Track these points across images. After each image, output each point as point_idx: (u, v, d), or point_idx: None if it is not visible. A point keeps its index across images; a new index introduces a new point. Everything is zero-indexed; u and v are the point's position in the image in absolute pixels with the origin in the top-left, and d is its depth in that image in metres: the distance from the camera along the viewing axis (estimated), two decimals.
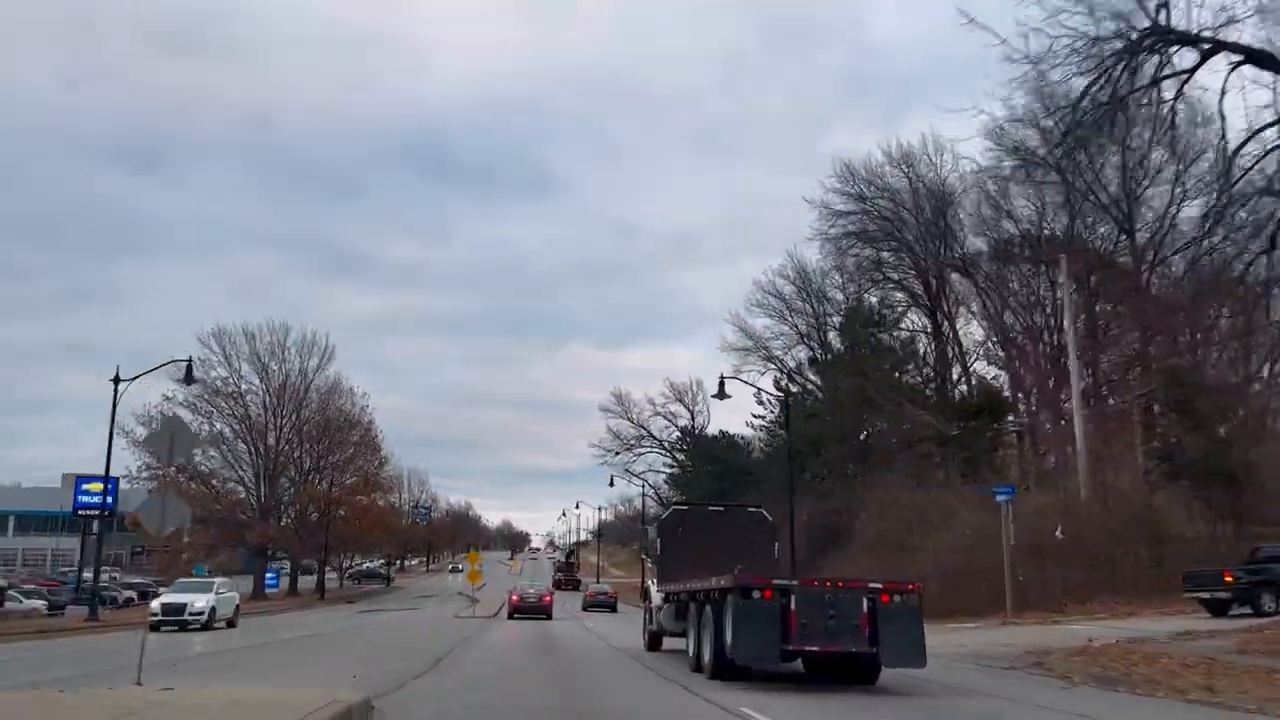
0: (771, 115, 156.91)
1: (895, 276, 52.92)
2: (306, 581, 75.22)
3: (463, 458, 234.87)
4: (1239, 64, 19.50)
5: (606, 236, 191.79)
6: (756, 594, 12.49)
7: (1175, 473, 29.96)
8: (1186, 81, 20.90)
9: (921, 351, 44.72)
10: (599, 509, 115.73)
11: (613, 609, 51.76)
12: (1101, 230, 49.61)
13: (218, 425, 65.20)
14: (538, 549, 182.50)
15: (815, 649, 12.63)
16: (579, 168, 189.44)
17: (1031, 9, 19.36)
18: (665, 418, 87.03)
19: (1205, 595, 24.58)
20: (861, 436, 43.35)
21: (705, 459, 73.70)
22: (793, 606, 12.24)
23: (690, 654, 15.26)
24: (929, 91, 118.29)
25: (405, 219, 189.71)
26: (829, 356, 43.61)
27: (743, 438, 72.84)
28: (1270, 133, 19.80)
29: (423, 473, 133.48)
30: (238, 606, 32.67)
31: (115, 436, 63.28)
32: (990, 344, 46.74)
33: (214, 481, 64.95)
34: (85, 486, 55.14)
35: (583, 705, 11.30)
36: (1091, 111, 20.26)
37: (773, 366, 65.82)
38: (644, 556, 26.04)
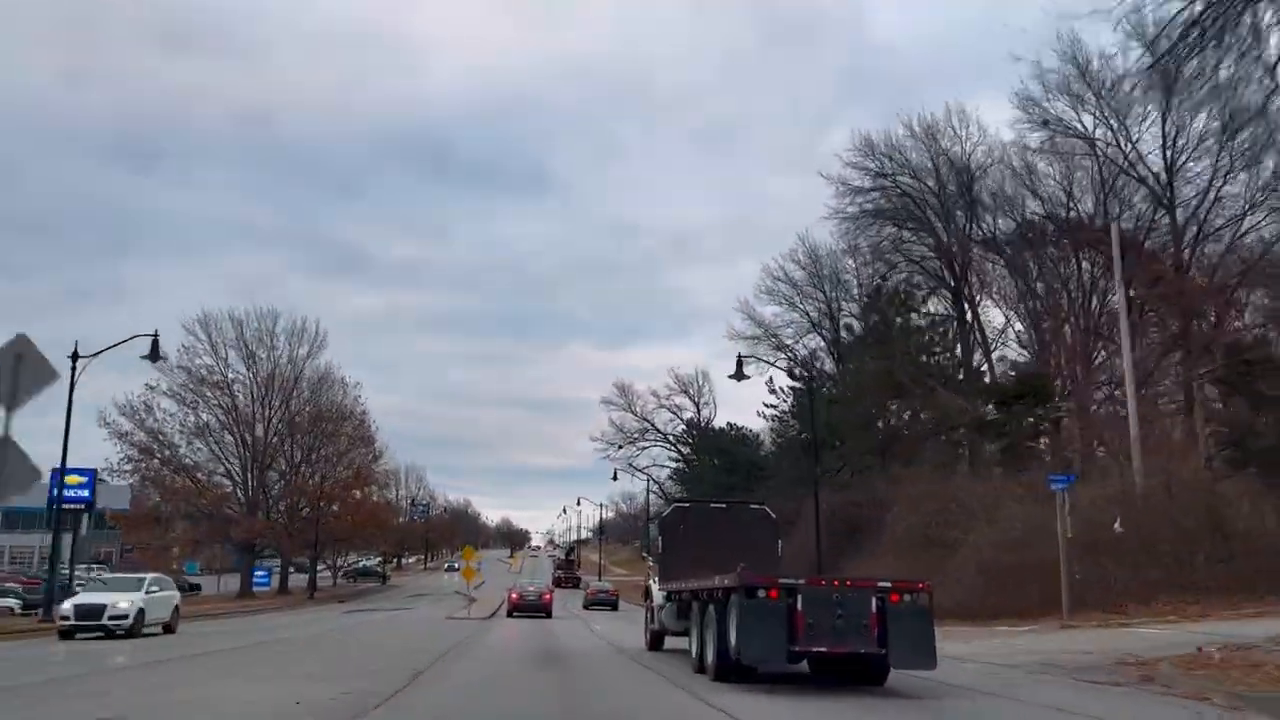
0: (771, 114, 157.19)
1: (916, 256, 49.96)
2: (301, 580, 72.62)
3: (462, 456, 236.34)
4: None
5: (606, 235, 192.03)
6: (762, 593, 12.07)
7: (1242, 459, 26.99)
8: None
9: (947, 335, 41.60)
10: (600, 505, 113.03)
11: (614, 607, 50.69)
12: (1136, 207, 46.81)
13: (204, 416, 62.45)
14: (538, 548, 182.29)
15: (823, 650, 12.19)
16: (579, 166, 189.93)
17: None
18: (670, 410, 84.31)
19: None
20: (887, 424, 40.37)
21: (712, 452, 70.85)
22: (799, 606, 11.87)
23: (693, 655, 14.86)
24: (930, 90, 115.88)
25: (405, 218, 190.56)
26: (851, 338, 40.52)
27: (751, 430, 70.09)
28: None
29: (420, 469, 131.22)
30: (177, 608, 27.31)
31: (97, 428, 61.91)
32: (1020, 326, 43.86)
33: (199, 475, 62.02)
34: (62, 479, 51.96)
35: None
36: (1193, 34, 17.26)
37: (783, 355, 63.35)
38: (644, 555, 24.67)
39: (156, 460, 60.58)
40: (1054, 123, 45.25)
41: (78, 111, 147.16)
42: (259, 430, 63.82)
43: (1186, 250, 43.29)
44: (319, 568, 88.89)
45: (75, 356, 28.39)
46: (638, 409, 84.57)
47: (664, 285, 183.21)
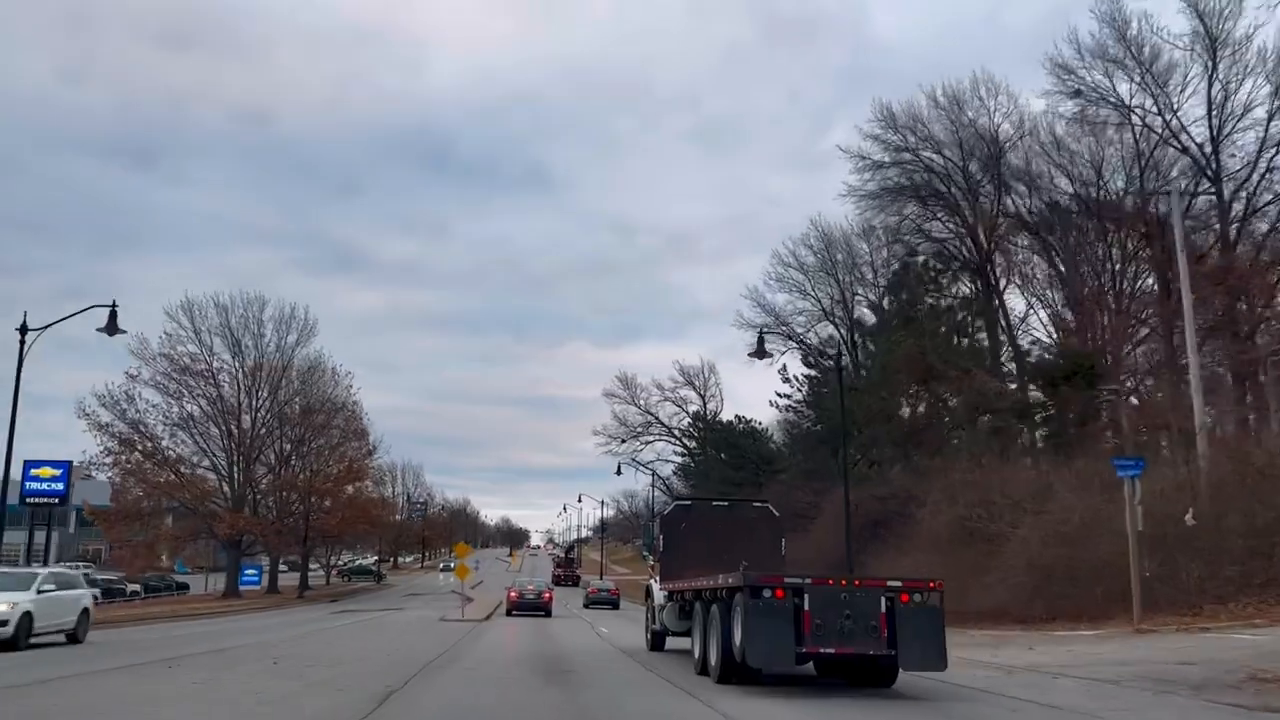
0: (771, 112, 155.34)
1: (939, 236, 47.08)
2: (294, 579, 69.73)
3: (461, 455, 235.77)
4: None
5: (605, 234, 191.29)
6: (767, 593, 11.66)
7: None
8: None
9: (973, 317, 38.61)
10: (601, 503, 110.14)
11: (615, 606, 49.46)
12: (1176, 182, 43.88)
13: (188, 406, 59.52)
14: (538, 547, 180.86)
15: (831, 651, 11.75)
16: (578, 164, 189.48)
17: None
18: (674, 403, 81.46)
19: None
20: (913, 411, 37.39)
21: (720, 446, 67.91)
22: (806, 606, 11.51)
23: (696, 656, 14.46)
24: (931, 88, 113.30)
25: (404, 216, 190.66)
26: (875, 321, 37.51)
27: (759, 423, 67.21)
28: None
29: (417, 467, 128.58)
30: (87, 611, 21.40)
31: (76, 419, 58.91)
32: (1046, 309, 40.99)
33: (183, 468, 59.02)
34: (34, 471, 49.09)
35: None
36: None
37: (795, 344, 60.59)
38: (645, 554, 24.66)
39: (138, 453, 57.65)
40: (1089, 91, 42.52)
41: (76, 108, 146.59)
42: (245, 421, 60.92)
43: (1234, 226, 40.51)
44: (313, 566, 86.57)
45: (24, 330, 25.50)
46: (641, 402, 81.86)
47: (663, 284, 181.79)
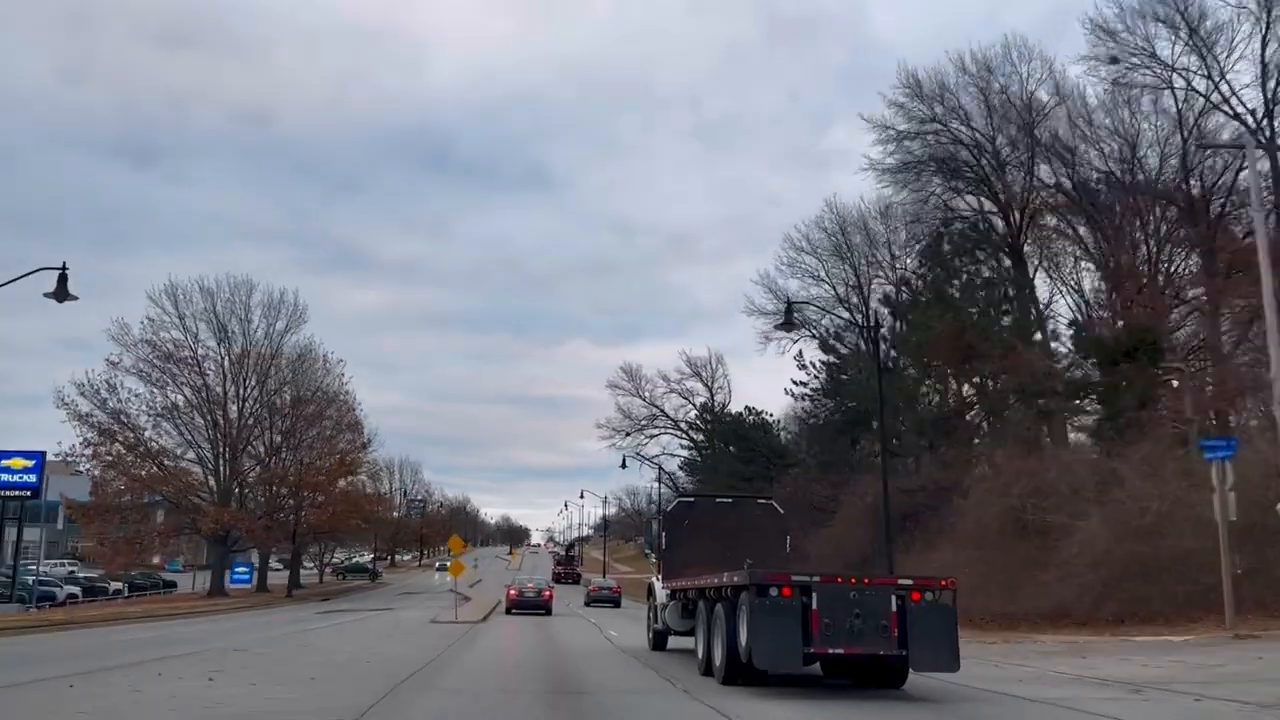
0: (771, 111, 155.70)
1: (967, 212, 44.12)
2: (286, 577, 66.86)
3: (461, 454, 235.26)
4: None
5: (605, 233, 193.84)
6: (774, 591, 11.21)
7: None
8: None
9: (1017, 290, 35.53)
10: (604, 499, 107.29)
11: (616, 604, 48.75)
12: (1221, 155, 40.97)
13: (171, 395, 56.55)
14: (538, 545, 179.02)
15: (840, 651, 11.22)
16: (579, 164, 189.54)
17: None
18: (681, 395, 78.47)
19: None
20: (945, 394, 34.43)
21: (730, 438, 64.90)
22: (814, 605, 11.05)
23: (699, 656, 14.09)
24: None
25: (404, 215, 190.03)
26: (906, 295, 34.51)
27: (770, 414, 64.24)
28: None
29: (415, 463, 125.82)
30: None
31: (55, 408, 56.03)
32: (1095, 283, 38.07)
33: (166, 460, 56.05)
34: (4, 463, 46.11)
35: None
36: None
37: (807, 332, 57.72)
38: (647, 551, 23.26)
39: (119, 445, 54.70)
40: (1129, 55, 39.61)
41: (77, 107, 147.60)
42: (232, 411, 57.99)
43: None
44: (309, 565, 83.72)
45: None
46: (646, 394, 78.87)
47: (663, 283, 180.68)
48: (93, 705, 9.04)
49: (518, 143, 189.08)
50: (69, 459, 53.71)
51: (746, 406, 65.41)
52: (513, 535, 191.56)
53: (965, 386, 33.37)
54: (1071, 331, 31.52)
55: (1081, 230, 38.52)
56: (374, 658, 15.79)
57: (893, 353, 37.55)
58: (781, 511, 19.12)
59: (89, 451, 54.31)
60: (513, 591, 39.52)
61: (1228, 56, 38.55)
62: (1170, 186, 40.15)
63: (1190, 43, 38.06)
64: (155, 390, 55.84)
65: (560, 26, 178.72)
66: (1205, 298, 36.26)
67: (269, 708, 9.43)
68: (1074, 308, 35.78)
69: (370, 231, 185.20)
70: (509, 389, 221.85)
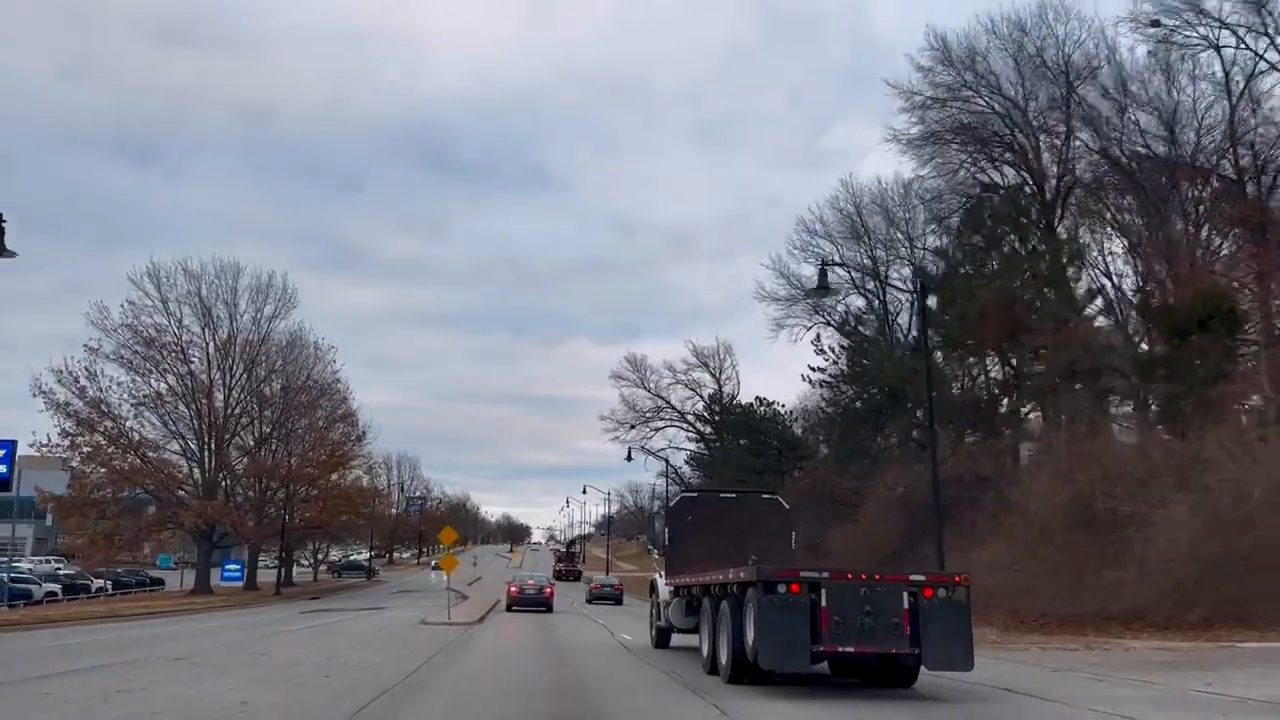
0: (772, 110, 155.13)
1: (998, 186, 41.18)
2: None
3: (462, 453, 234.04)
4: None
5: (606, 232, 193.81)
6: (782, 588, 10.83)
7: None
8: None
9: (1069, 258, 32.39)
10: (606, 495, 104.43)
11: (618, 602, 48.12)
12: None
13: (154, 383, 53.63)
14: (539, 543, 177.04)
15: (850, 650, 10.81)
16: (579, 163, 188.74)
17: None
18: (688, 386, 75.46)
19: None
20: (987, 373, 31.44)
21: (740, 431, 61.93)
22: (823, 602, 10.69)
23: (704, 654, 13.62)
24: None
25: (405, 214, 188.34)
26: (944, 264, 31.55)
27: (783, 404, 61.27)
28: None
29: (414, 459, 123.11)
30: None
31: (33, 398, 53.12)
32: (1139, 257, 35.08)
33: (149, 452, 53.11)
34: None
35: None
36: None
37: (821, 318, 54.92)
38: (650, 548, 22.74)
39: (99, 435, 51.79)
40: (1175, 7, 36.74)
41: (77, 106, 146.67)
42: (218, 400, 55.05)
43: None
44: (304, 563, 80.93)
45: None
46: (651, 385, 75.87)
47: (663, 283, 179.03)
48: None
49: (518, 142, 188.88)
50: (45, 449, 50.80)
51: (757, 397, 62.39)
52: (513, 534, 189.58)
53: (1008, 365, 30.35)
54: (1137, 299, 28.31)
55: (1124, 201, 35.55)
56: (339, 671, 12.89)
57: (929, 332, 34.52)
58: (787, 507, 18.70)
59: (66, 442, 51.51)
60: (513, 589, 39.14)
61: None
62: (1215, 155, 37.32)
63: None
64: (137, 378, 53.01)
65: (560, 26, 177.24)
66: (1258, 270, 33.43)
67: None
68: (1116, 282, 32.83)
69: (370, 230, 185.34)
70: (509, 388, 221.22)
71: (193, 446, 55.05)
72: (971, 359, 30.90)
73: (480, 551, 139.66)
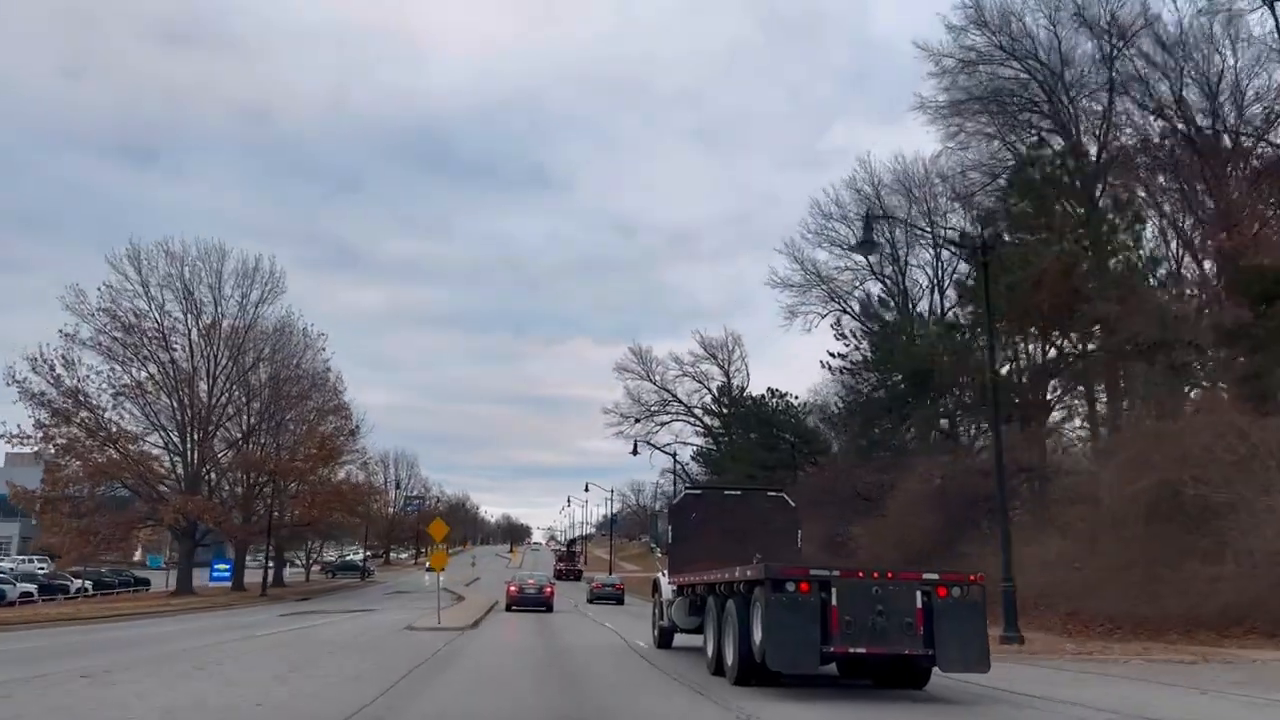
0: (772, 110, 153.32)
1: (1031, 159, 38.28)
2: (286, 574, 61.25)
3: (462, 453, 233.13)
4: None
5: (606, 232, 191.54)
6: (791, 586, 10.59)
7: None
8: None
9: (1129, 222, 29.34)
10: (609, 494, 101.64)
11: (620, 602, 47.37)
12: None
13: (134, 372, 50.77)
14: (539, 543, 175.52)
15: (861, 650, 10.58)
16: (579, 163, 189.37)
17: None
18: (695, 379, 72.78)
19: None
20: (1042, 349, 28.37)
21: (751, 424, 59.06)
22: (834, 601, 10.49)
23: (709, 655, 13.38)
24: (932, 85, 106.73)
25: (405, 214, 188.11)
26: (988, 233, 28.63)
27: (796, 396, 58.41)
28: None
29: (411, 456, 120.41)
30: None
31: (6, 387, 50.25)
32: (1189, 232, 32.29)
33: (129, 445, 50.22)
34: None
35: None
36: None
37: (836, 306, 52.18)
38: (653, 546, 22.41)
39: (75, 427, 48.93)
40: None
41: (77, 105, 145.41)
42: (201, 389, 52.20)
43: None
44: (298, 564, 78.16)
45: None
46: (657, 377, 73.21)
47: (664, 283, 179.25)
48: None
49: (517, 143, 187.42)
50: (15, 440, 48.06)
51: (769, 388, 59.45)
52: (513, 533, 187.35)
53: (1067, 339, 27.45)
54: (1214, 265, 25.40)
55: (1179, 166, 32.69)
56: (319, 678, 10.03)
57: (968, 308, 31.65)
58: (793, 504, 18.32)
59: (40, 434, 48.71)
60: (513, 588, 38.51)
61: None
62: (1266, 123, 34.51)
63: None
64: (116, 366, 50.17)
65: (560, 26, 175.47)
66: None
67: None
68: (1177, 250, 29.97)
69: (370, 231, 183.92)
70: (509, 388, 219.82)
71: (175, 439, 52.29)
72: (1018, 336, 28.00)
73: (480, 551, 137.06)
